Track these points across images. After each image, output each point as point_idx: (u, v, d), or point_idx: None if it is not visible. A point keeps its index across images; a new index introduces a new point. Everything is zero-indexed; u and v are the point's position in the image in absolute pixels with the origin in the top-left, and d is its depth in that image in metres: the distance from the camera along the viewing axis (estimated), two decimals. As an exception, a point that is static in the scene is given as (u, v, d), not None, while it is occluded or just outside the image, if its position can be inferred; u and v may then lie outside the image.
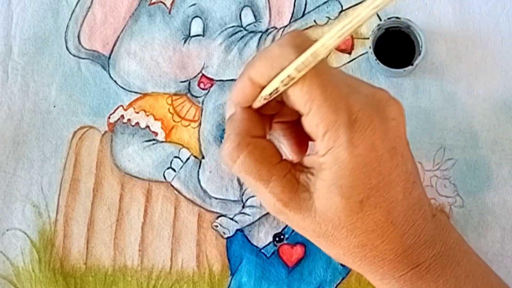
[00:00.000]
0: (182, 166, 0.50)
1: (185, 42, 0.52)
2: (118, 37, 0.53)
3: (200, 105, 0.51)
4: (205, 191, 0.50)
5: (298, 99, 0.34)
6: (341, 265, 0.48)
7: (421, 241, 0.36)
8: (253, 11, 0.53)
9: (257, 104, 0.36)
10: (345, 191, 0.34)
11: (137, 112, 0.51)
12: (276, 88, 0.34)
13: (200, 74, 0.52)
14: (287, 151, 0.40)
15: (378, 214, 0.35)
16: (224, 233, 0.49)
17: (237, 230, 0.49)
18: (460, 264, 0.37)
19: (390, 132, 0.35)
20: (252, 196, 0.49)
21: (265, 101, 0.36)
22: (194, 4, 0.53)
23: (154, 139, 0.51)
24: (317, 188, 0.35)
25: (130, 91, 0.52)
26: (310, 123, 0.34)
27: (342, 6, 0.52)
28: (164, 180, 0.50)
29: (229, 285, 0.48)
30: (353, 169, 0.34)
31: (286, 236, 0.49)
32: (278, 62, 0.33)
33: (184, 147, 0.51)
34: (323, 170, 0.35)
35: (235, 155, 0.36)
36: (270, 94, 0.35)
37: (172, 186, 0.50)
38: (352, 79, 0.37)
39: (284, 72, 0.33)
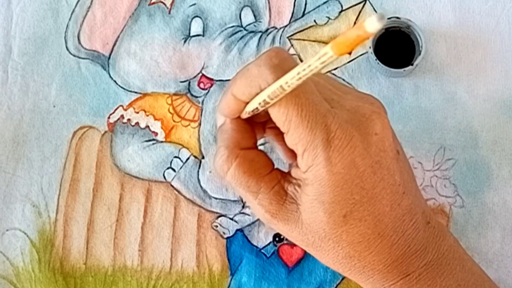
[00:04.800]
0: (182, 166, 0.50)
1: (185, 42, 0.52)
2: (118, 37, 0.53)
3: (200, 105, 0.51)
4: (205, 191, 0.50)
5: (277, 119, 0.35)
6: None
7: (411, 251, 0.36)
8: (253, 11, 0.53)
9: (244, 116, 0.37)
10: (327, 207, 0.35)
11: (137, 112, 0.51)
12: (256, 107, 0.35)
13: (200, 74, 0.52)
14: (281, 155, 0.40)
15: (364, 227, 0.35)
16: (224, 233, 0.49)
17: (237, 230, 0.49)
18: (452, 272, 0.37)
19: (373, 147, 0.35)
20: (252, 196, 0.49)
21: (250, 115, 0.37)
22: (194, 4, 0.53)
23: (154, 139, 0.51)
24: (303, 201, 0.36)
25: (130, 91, 0.52)
26: (289, 142, 0.35)
27: (342, 6, 0.52)
28: (164, 180, 0.50)
29: (229, 285, 0.48)
30: (333, 186, 0.34)
31: (286, 236, 0.49)
32: (256, 82, 0.34)
33: (184, 147, 0.51)
34: (306, 185, 0.35)
35: (225, 167, 0.37)
36: (252, 111, 0.35)
37: (172, 186, 0.50)
38: (338, 91, 0.37)
39: (259, 97, 0.34)
